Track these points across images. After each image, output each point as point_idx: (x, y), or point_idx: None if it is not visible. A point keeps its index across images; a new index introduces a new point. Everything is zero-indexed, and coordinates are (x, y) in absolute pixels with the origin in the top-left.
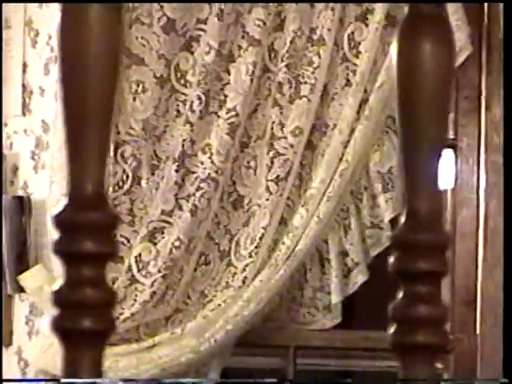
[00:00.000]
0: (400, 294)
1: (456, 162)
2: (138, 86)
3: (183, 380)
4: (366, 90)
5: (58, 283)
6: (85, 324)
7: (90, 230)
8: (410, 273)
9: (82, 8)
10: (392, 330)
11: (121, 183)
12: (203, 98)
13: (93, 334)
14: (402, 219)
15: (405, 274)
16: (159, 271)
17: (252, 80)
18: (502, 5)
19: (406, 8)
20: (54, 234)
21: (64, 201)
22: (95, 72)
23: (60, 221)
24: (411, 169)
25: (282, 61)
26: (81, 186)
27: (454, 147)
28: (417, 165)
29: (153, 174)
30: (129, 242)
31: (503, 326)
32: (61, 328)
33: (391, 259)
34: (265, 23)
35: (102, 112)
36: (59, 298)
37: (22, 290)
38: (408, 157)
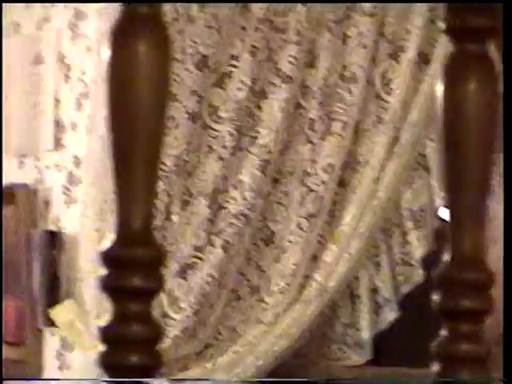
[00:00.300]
0: (444, 332)
1: None
2: (170, 121)
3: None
4: (397, 128)
5: (106, 319)
6: (132, 359)
7: (137, 265)
8: (454, 311)
9: (131, 44)
10: (435, 367)
11: None
12: (235, 134)
13: (140, 369)
14: (447, 258)
15: (449, 311)
16: (190, 307)
17: (284, 117)
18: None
19: (442, 47)
20: (101, 270)
21: (111, 237)
22: (144, 108)
23: (108, 257)
24: (456, 207)
25: (314, 97)
26: (128, 222)
27: None
28: (462, 204)
29: (184, 209)
30: None
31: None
32: (108, 363)
33: (435, 297)
34: (297, 60)
35: (150, 148)
36: (106, 334)
37: (52, 324)
38: (453, 195)
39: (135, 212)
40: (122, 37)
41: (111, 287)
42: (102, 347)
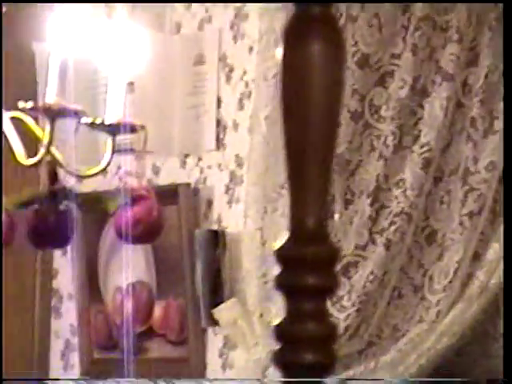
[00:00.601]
0: None
1: None
2: None
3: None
4: None
5: (280, 317)
6: (306, 358)
7: (311, 264)
8: None
9: (305, 44)
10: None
11: None
12: (397, 132)
13: (314, 367)
14: None
15: None
16: (353, 305)
17: (446, 115)
18: None
19: None
20: (275, 269)
21: (285, 235)
22: (317, 109)
23: (281, 255)
24: None
25: (476, 96)
26: (302, 220)
27: None
28: None
29: (346, 208)
30: None
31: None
32: (282, 361)
33: None
34: (459, 58)
35: (323, 147)
36: (281, 332)
37: (215, 323)
38: None
39: (309, 210)
40: (295, 37)
41: (285, 285)
42: (276, 345)
